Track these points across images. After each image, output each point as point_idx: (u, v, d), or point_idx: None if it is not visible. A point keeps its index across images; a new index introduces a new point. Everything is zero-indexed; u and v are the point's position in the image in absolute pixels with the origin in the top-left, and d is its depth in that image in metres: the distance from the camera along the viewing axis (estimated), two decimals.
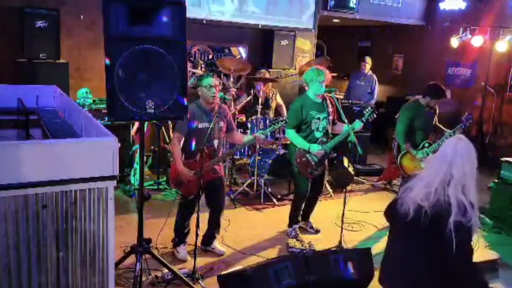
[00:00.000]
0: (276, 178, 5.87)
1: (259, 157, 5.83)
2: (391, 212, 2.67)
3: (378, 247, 4.68)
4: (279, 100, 6.72)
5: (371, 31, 10.48)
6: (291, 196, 5.48)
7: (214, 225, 4.33)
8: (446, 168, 2.45)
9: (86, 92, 5.56)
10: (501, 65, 8.04)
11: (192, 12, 6.74)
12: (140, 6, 2.83)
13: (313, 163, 4.52)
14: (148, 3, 2.87)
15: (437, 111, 5.19)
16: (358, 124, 4.45)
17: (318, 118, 4.54)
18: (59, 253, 2.42)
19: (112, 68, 2.75)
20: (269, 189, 5.78)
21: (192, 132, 4.02)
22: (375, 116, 4.58)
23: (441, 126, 5.14)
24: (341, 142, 4.59)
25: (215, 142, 4.10)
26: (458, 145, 2.52)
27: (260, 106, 5.93)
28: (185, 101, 3.03)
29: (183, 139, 4.06)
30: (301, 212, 4.87)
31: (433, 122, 5.15)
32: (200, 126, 4.03)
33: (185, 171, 3.95)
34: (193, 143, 4.01)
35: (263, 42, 7.94)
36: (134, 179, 5.60)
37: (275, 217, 5.26)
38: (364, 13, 8.47)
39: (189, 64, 6.99)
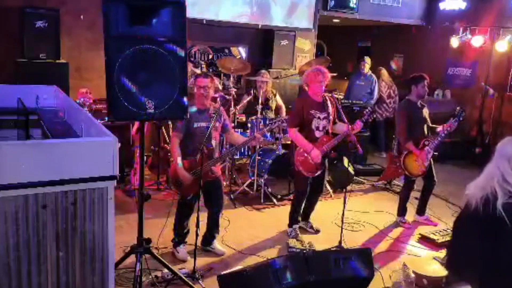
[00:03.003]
0: (276, 178, 5.87)
1: (259, 157, 5.83)
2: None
3: (378, 247, 4.70)
4: (279, 101, 6.72)
5: (371, 31, 10.49)
6: (291, 196, 5.49)
7: (213, 226, 4.33)
8: (493, 164, 2.57)
9: (86, 92, 5.56)
10: (501, 65, 8.04)
11: (192, 12, 6.74)
12: (140, 6, 2.83)
13: (312, 162, 4.52)
14: (148, 3, 2.87)
15: (427, 111, 5.19)
16: (358, 125, 4.46)
17: (319, 118, 4.55)
18: (59, 253, 2.42)
19: (112, 68, 2.75)
20: (269, 189, 5.78)
21: (189, 132, 4.02)
22: (375, 116, 4.59)
23: (435, 126, 5.15)
24: (341, 142, 4.60)
25: (213, 143, 4.11)
26: (500, 144, 2.62)
27: (260, 106, 5.93)
28: (185, 101, 3.03)
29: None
30: (301, 212, 4.88)
31: (428, 122, 5.15)
32: (195, 125, 4.03)
33: (184, 174, 3.95)
34: (191, 143, 4.01)
35: (263, 42, 7.94)
36: (134, 179, 5.60)
37: (275, 217, 5.26)
38: (364, 13, 8.48)
39: (190, 64, 6.99)
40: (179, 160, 3.98)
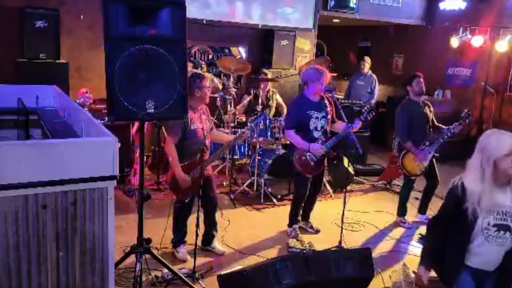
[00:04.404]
0: (276, 178, 5.87)
1: (259, 157, 5.83)
2: None
3: (378, 247, 4.70)
4: (280, 100, 6.73)
5: (371, 31, 10.49)
6: (291, 196, 5.48)
7: (211, 224, 4.33)
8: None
9: (86, 92, 5.56)
10: (501, 65, 8.04)
11: (192, 12, 6.75)
12: (140, 6, 2.83)
13: (312, 163, 4.52)
14: (148, 3, 2.87)
15: (432, 110, 5.17)
16: (357, 123, 4.45)
17: (316, 118, 4.54)
18: (59, 253, 2.42)
19: (112, 68, 2.75)
20: (269, 189, 5.78)
21: (186, 134, 4.01)
22: (373, 114, 4.58)
23: (441, 125, 5.11)
24: (341, 142, 4.59)
25: (207, 142, 4.11)
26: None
27: (260, 106, 5.94)
28: (185, 101, 3.03)
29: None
30: (301, 212, 4.88)
31: (431, 121, 5.12)
32: (194, 127, 4.03)
33: (185, 178, 3.94)
34: (188, 145, 4.01)
35: (263, 42, 7.94)
36: (134, 179, 5.60)
37: (275, 217, 5.26)
38: (364, 13, 8.48)
39: (190, 64, 7.00)
40: (178, 165, 3.97)
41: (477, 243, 2.59)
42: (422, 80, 5.03)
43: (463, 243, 2.63)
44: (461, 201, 2.57)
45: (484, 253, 2.59)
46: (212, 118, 4.33)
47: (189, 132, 4.00)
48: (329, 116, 4.63)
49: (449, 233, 2.70)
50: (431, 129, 5.10)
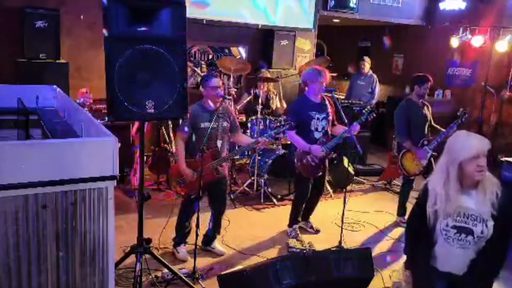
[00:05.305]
0: (276, 178, 5.87)
1: (259, 157, 5.83)
2: None
3: (378, 247, 4.70)
4: (278, 103, 6.72)
5: (371, 31, 10.48)
6: (291, 196, 5.48)
7: (215, 226, 4.34)
8: None
9: (86, 92, 5.56)
10: (501, 65, 8.04)
11: (192, 12, 6.74)
12: (140, 6, 2.83)
13: (313, 164, 4.52)
14: (148, 3, 2.87)
15: (431, 110, 5.18)
16: (355, 126, 4.45)
17: (318, 119, 4.54)
18: (59, 253, 2.42)
19: (112, 68, 2.75)
20: (269, 189, 5.78)
21: (195, 132, 4.03)
22: (374, 115, 4.58)
23: (438, 126, 5.13)
24: (341, 142, 4.59)
25: (219, 143, 4.10)
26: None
27: (260, 106, 5.93)
28: (185, 101, 3.03)
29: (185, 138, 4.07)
30: (301, 212, 4.87)
31: (429, 121, 5.14)
32: (203, 126, 4.03)
33: (187, 171, 3.96)
34: (196, 143, 4.02)
35: (263, 42, 7.94)
36: (134, 179, 5.60)
37: (275, 217, 5.26)
38: (364, 13, 8.47)
39: (190, 64, 6.99)
40: (182, 158, 3.98)
41: (438, 244, 2.55)
42: (429, 86, 5.08)
43: (429, 245, 2.59)
44: (424, 202, 2.55)
45: (446, 254, 2.53)
46: (236, 120, 4.32)
47: (198, 130, 4.01)
48: (330, 117, 4.63)
49: (418, 234, 2.68)
50: (429, 129, 5.13)
